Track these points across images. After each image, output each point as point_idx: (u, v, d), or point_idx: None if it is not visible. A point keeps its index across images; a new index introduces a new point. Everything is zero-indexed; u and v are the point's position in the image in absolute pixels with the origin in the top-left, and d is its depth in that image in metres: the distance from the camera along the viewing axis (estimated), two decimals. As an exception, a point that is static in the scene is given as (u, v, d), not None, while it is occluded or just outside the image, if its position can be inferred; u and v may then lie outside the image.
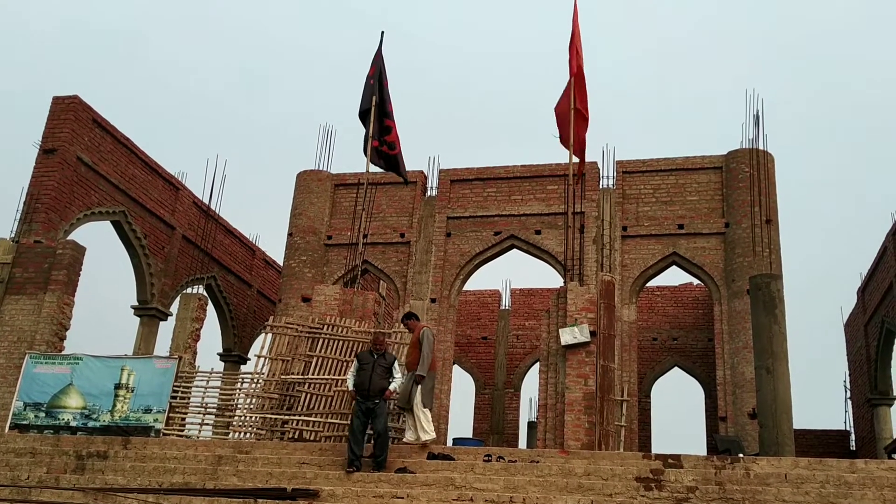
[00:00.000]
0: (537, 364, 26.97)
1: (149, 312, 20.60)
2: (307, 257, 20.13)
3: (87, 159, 18.32)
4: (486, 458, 11.12)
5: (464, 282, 19.78)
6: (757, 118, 17.93)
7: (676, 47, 76.37)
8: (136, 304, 20.67)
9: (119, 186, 19.40)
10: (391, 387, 10.96)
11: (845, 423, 24.55)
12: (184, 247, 21.86)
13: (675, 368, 25.52)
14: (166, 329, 21.26)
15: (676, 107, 72.54)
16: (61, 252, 15.98)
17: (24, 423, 14.67)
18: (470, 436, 24.50)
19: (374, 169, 17.03)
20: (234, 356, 24.73)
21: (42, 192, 17.30)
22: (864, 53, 69.13)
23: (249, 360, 24.90)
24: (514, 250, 19.60)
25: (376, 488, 10.26)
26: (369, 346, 11.43)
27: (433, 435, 11.72)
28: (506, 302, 27.51)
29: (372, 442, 10.87)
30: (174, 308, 21.53)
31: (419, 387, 11.61)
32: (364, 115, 16.62)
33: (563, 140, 14.83)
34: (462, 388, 27.05)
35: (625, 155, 19.65)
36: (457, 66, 73.64)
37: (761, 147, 18.08)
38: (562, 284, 20.75)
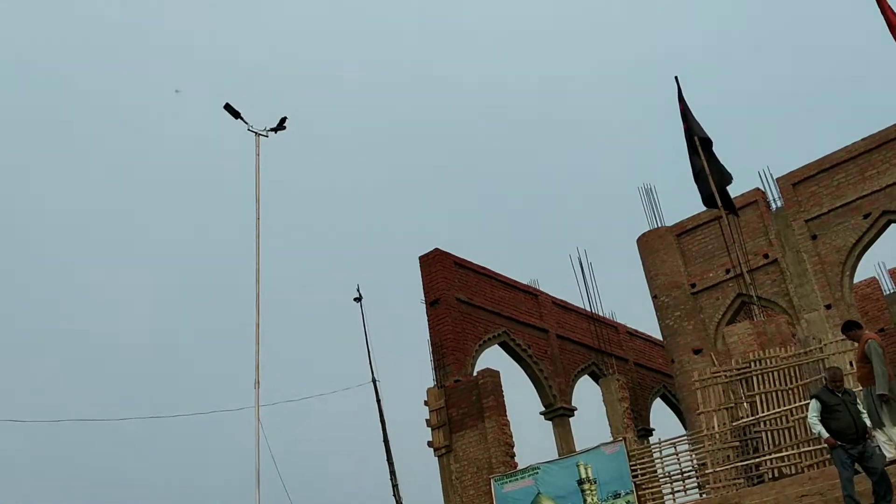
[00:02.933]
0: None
1: (557, 413, 21.89)
2: (680, 312, 20.37)
3: (464, 297, 20.49)
4: None
5: (852, 277, 18.77)
6: None
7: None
8: (544, 408, 22.10)
9: (494, 311, 21.32)
10: (869, 423, 9.90)
11: None
12: (562, 344, 23.18)
13: None
14: (576, 423, 22.44)
15: None
16: (483, 381, 17.82)
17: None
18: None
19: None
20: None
21: (443, 339, 19.55)
22: None
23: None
24: (893, 225, 18.29)
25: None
26: (824, 385, 10.12)
27: (869, 424, 10.69)
28: (887, 286, 25.32)
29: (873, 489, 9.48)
30: (577, 401, 22.75)
31: (885, 405, 10.90)
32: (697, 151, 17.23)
33: None
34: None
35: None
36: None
37: None
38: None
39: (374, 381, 20.85)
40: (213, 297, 58.92)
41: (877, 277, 25.48)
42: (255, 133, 15.86)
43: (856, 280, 25.84)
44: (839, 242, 18.62)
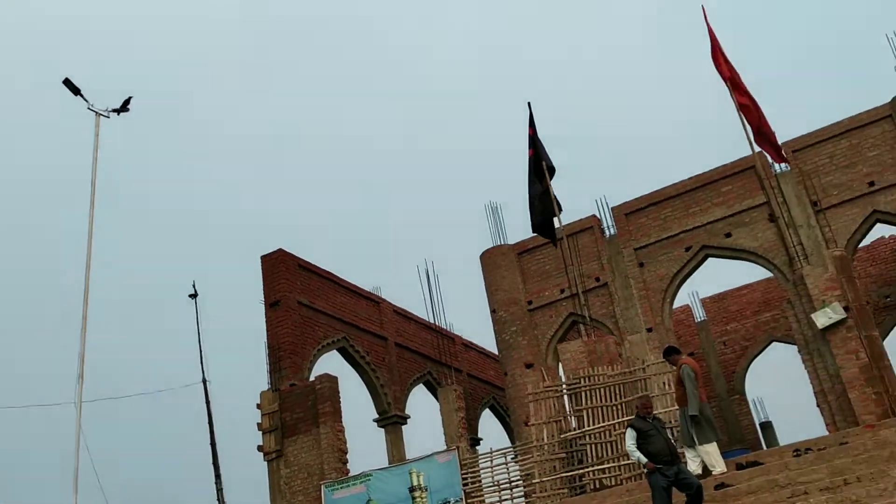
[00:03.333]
0: (754, 364, 26.95)
1: (390, 420, 22.05)
2: (516, 327, 21.12)
3: (305, 301, 20.21)
4: (796, 453, 11.47)
5: (671, 304, 20.24)
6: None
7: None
8: (378, 415, 22.17)
9: (335, 316, 21.19)
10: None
11: None
12: (400, 352, 23.39)
13: (897, 326, 24.71)
14: (408, 430, 22.70)
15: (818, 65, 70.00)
16: (320, 387, 17.64)
17: (341, 545, 16.07)
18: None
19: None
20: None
21: (280, 341, 19.19)
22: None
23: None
24: (710, 259, 19.95)
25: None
26: (637, 413, 10.58)
27: (723, 468, 11.65)
28: (699, 313, 27.55)
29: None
30: (410, 409, 23.00)
31: (696, 426, 11.62)
32: (536, 179, 17.98)
33: (758, 138, 15.32)
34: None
35: (786, 136, 19.81)
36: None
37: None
38: (769, 277, 20.84)
39: (204, 381, 20.13)
40: (42, 284, 54.56)
41: (690, 305, 27.66)
42: (96, 112, 14.95)
43: (674, 307, 28.08)
44: (662, 271, 20.05)
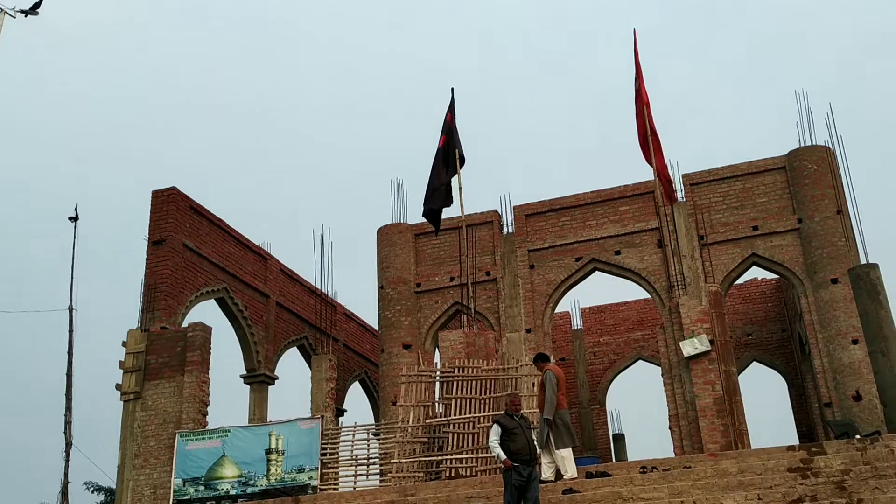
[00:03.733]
0: (618, 377, 28.10)
1: (258, 379, 21.72)
2: (401, 307, 21.21)
3: (191, 244, 19.59)
4: (643, 470, 12.04)
5: (553, 309, 20.81)
6: (810, 114, 19.05)
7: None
8: (246, 372, 21.80)
9: (219, 265, 20.64)
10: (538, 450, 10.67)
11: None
12: (280, 312, 23.04)
13: (753, 363, 26.31)
14: (274, 392, 22.43)
15: (723, 116, 73.76)
16: (192, 334, 17.16)
17: (186, 497, 15.75)
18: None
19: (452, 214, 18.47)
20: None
21: (158, 282, 18.53)
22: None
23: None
24: (597, 273, 20.61)
25: (549, 511, 11.18)
26: (506, 409, 10.67)
27: (574, 473, 11.97)
28: (577, 322, 28.45)
29: None
30: (280, 371, 22.74)
31: (549, 429, 11.98)
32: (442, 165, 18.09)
33: (650, 162, 15.88)
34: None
35: (688, 168, 20.67)
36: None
37: (820, 142, 19.11)
38: (648, 298, 21.71)
39: (70, 309, 19.24)
40: None
41: (570, 312, 28.52)
42: (2, 10, 13.96)
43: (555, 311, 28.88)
44: (551, 276, 20.57)
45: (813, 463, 11.33)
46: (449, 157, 19.05)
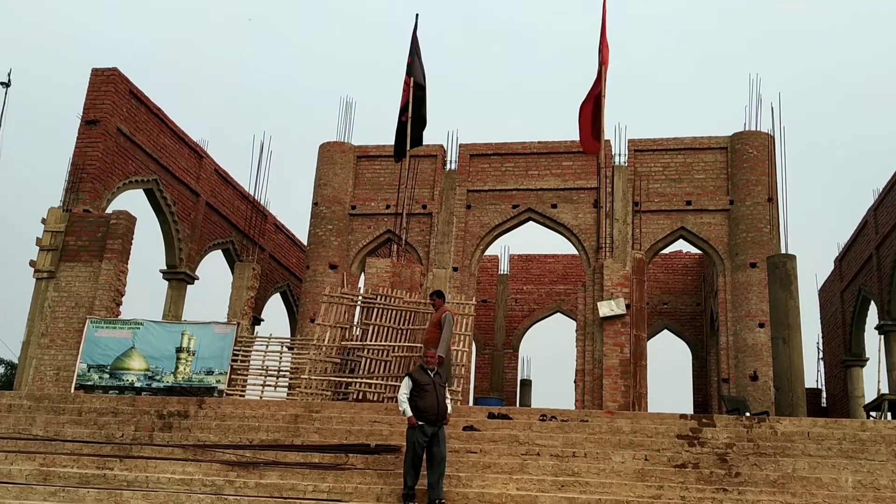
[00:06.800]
0: (535, 326, 28.79)
1: (177, 276, 21.45)
2: (333, 226, 21.11)
3: (125, 130, 18.96)
4: (542, 418, 12.49)
5: (483, 251, 21.02)
6: (759, 100, 19.44)
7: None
8: (165, 268, 21.49)
9: (152, 156, 20.08)
10: (450, 409, 10.10)
11: (817, 381, 26.60)
12: (208, 213, 22.66)
13: (664, 331, 27.30)
14: (192, 292, 22.21)
15: (685, 89, 74.22)
16: (115, 222, 16.76)
17: (89, 383, 15.63)
18: (471, 394, 26.01)
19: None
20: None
21: (87, 163, 17.94)
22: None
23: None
24: (531, 223, 20.85)
25: (449, 444, 11.53)
26: (420, 363, 10.29)
27: (450, 410, 12.30)
28: (504, 267, 28.86)
29: (428, 470, 9.61)
30: (202, 272, 22.47)
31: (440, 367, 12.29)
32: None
33: (584, 132, 15.95)
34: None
35: (636, 134, 20.92)
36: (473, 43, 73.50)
37: (764, 129, 19.56)
38: (575, 254, 22.13)
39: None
40: None
41: (498, 257, 28.90)
42: None
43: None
44: (486, 220, 20.72)
45: (701, 433, 11.93)
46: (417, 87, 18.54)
